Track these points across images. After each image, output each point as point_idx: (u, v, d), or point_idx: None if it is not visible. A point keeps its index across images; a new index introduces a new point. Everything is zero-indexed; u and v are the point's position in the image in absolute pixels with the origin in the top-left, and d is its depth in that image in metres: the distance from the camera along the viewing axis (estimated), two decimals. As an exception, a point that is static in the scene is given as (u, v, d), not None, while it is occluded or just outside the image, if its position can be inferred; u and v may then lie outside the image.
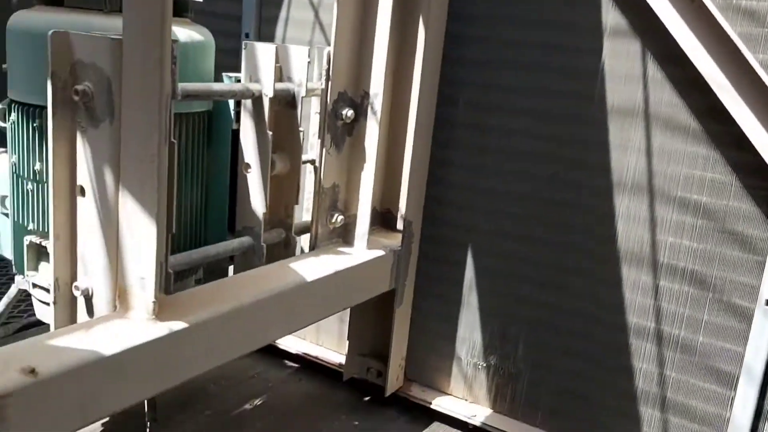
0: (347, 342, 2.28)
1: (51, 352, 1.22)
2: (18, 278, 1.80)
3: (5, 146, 1.84)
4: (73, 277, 1.47)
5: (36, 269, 1.73)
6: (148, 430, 1.52)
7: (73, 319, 1.48)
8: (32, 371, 1.15)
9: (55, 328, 1.48)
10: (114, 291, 1.42)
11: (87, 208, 1.42)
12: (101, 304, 1.44)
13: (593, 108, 1.86)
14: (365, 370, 2.26)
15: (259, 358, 2.48)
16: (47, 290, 1.70)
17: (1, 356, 1.18)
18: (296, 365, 2.46)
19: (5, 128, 1.73)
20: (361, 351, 2.26)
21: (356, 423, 2.15)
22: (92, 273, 1.44)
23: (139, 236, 1.35)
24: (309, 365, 2.44)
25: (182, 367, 1.42)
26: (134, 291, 1.39)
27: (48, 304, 1.74)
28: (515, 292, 2.05)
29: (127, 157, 1.34)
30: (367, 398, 2.29)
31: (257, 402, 2.22)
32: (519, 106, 1.95)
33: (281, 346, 2.48)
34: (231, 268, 2.32)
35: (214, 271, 1.99)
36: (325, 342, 2.45)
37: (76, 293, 1.46)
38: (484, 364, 2.14)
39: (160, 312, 1.39)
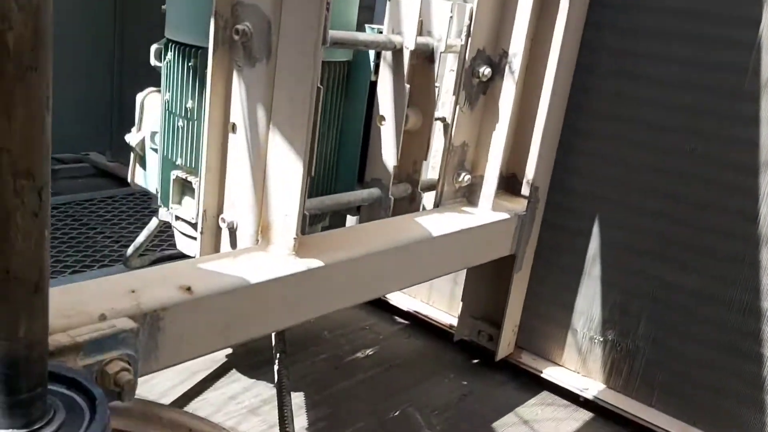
0: (460, 303, 2.29)
1: (204, 275, 1.29)
2: (162, 211, 1.91)
3: (156, 85, 1.96)
4: (220, 210, 1.55)
5: (180, 203, 1.83)
6: (277, 361, 1.59)
7: (216, 249, 1.57)
8: (188, 289, 1.22)
9: (200, 256, 1.57)
10: (257, 226, 1.49)
11: (237, 145, 1.48)
12: (244, 237, 1.51)
13: (745, 80, 1.75)
14: (476, 333, 2.27)
15: (371, 311, 2.54)
16: (189, 223, 1.81)
17: (161, 274, 1.27)
18: (406, 322, 2.50)
19: (159, 67, 1.83)
20: (473, 314, 2.27)
21: (465, 383, 2.17)
22: (238, 207, 1.51)
23: (286, 175, 1.41)
24: (418, 323, 2.47)
25: (316, 303, 1.47)
26: (277, 227, 1.45)
27: (189, 236, 1.86)
28: (641, 268, 1.99)
29: (280, 97, 1.39)
30: (475, 361, 2.30)
31: (369, 352, 2.28)
32: (660, 75, 1.87)
33: (392, 302, 2.52)
34: (349, 219, 2.38)
35: (335, 220, 2.05)
36: (436, 302, 2.48)
37: (222, 225, 1.54)
38: (601, 338, 2.10)
39: (299, 250, 1.45)
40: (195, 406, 1.86)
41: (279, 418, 1.45)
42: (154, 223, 2.13)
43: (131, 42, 3.53)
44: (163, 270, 1.29)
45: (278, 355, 1.59)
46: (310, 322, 1.47)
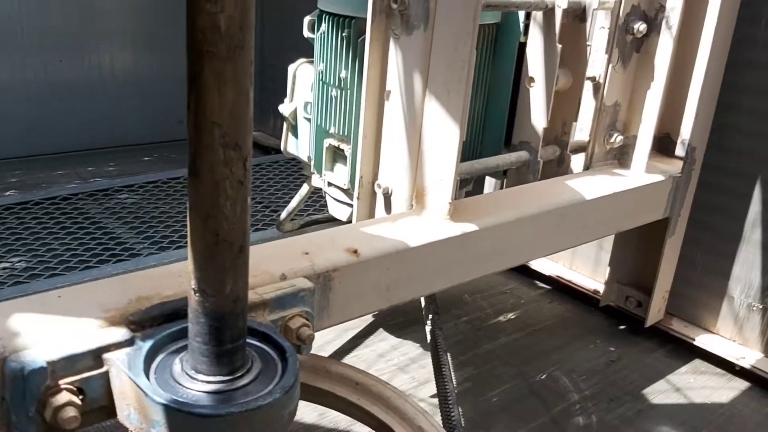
0: (605, 269, 2.25)
1: (368, 239, 1.35)
2: (314, 177, 2.00)
3: (293, 57, 2.03)
4: (375, 176, 1.61)
5: (332, 170, 1.91)
6: (430, 322, 1.65)
7: (371, 213, 1.63)
8: (355, 252, 1.29)
9: (357, 221, 1.64)
10: (412, 191, 1.53)
11: (393, 112, 1.52)
12: (399, 202, 1.56)
13: None
14: (623, 299, 2.22)
15: (511, 275, 2.54)
16: (341, 189, 1.88)
17: (329, 237, 1.34)
18: (547, 287, 2.49)
19: (312, 39, 1.90)
20: (621, 279, 2.22)
21: (612, 349, 2.14)
22: (393, 173, 1.56)
23: (442, 140, 1.43)
24: (561, 288, 2.45)
25: (470, 267, 1.50)
26: (431, 192, 1.48)
27: (340, 201, 1.93)
28: (810, 233, 1.86)
29: (438, 63, 1.41)
30: (622, 327, 2.25)
31: (510, 316, 2.29)
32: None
33: (533, 267, 2.51)
34: (488, 183, 2.38)
35: (476, 185, 2.06)
36: (580, 267, 2.44)
37: (377, 191, 1.59)
38: (760, 306, 2.00)
39: (453, 214, 1.47)
40: (348, 362, 1.96)
41: (436, 378, 1.50)
42: (304, 189, 2.23)
43: (273, 14, 3.65)
44: (330, 234, 1.37)
45: (431, 316, 1.64)
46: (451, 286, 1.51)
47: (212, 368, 0.95)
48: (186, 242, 2.41)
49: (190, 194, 0.88)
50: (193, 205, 0.88)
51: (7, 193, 2.91)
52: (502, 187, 2.20)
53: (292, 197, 2.33)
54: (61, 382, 0.92)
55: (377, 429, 1.31)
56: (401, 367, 1.96)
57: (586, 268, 2.42)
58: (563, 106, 1.87)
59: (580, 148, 1.97)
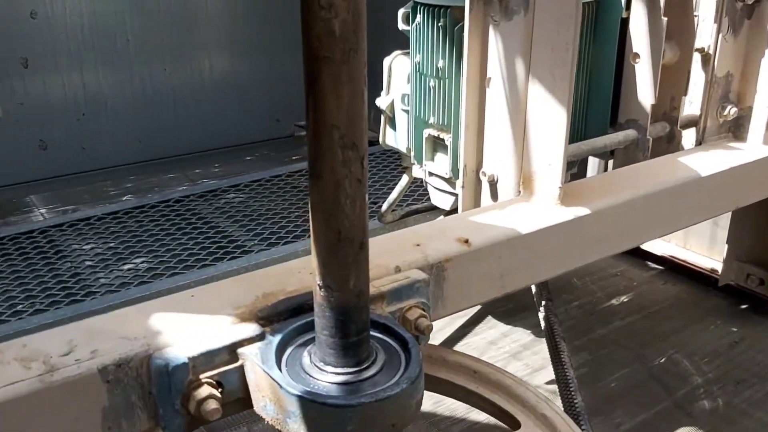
0: (723, 246, 2.15)
1: (477, 227, 1.35)
2: (414, 168, 2.02)
3: (401, 48, 2.04)
4: (479, 164, 1.60)
5: (432, 159, 1.92)
6: (543, 309, 1.63)
7: (477, 202, 1.63)
8: (466, 241, 1.29)
9: (462, 210, 1.64)
10: (518, 177, 1.52)
11: (495, 99, 1.51)
12: (505, 189, 1.55)
13: None
14: (744, 277, 2.11)
15: (621, 257, 2.47)
16: (443, 178, 1.89)
17: (438, 227, 1.36)
18: (660, 267, 2.41)
19: (407, 31, 1.91)
20: (740, 256, 2.11)
21: (734, 330, 2.05)
22: (498, 160, 1.55)
23: (548, 124, 1.41)
24: (674, 268, 2.36)
25: (583, 251, 1.47)
26: (539, 177, 1.47)
27: (442, 190, 1.94)
28: None
29: (540, 48, 1.38)
30: (744, 306, 2.15)
31: (623, 299, 2.23)
32: None
33: (644, 247, 2.43)
34: (591, 165, 2.32)
35: (581, 166, 2.01)
36: (694, 245, 2.34)
37: (482, 179, 1.59)
38: None
39: (562, 198, 1.45)
40: (460, 350, 1.97)
41: (554, 364, 1.49)
42: (404, 180, 2.25)
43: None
44: (439, 224, 1.38)
45: (543, 303, 1.62)
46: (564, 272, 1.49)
47: (340, 360, 0.98)
48: (294, 238, 2.49)
49: (312, 195, 0.91)
50: (315, 205, 0.91)
51: (125, 197, 3.10)
52: (606, 169, 2.14)
53: (391, 189, 2.36)
54: (201, 376, 0.98)
55: (497, 416, 1.32)
56: (513, 354, 1.96)
57: (701, 246, 2.32)
58: (671, 81, 1.80)
59: (690, 123, 1.88)
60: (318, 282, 0.95)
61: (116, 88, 3.41)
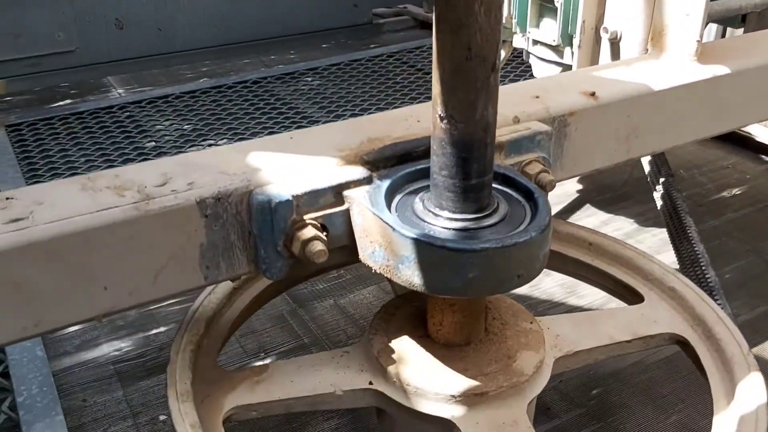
0: None
1: (604, 82, 1.20)
2: (516, 37, 1.84)
3: None
4: (600, 21, 1.42)
5: (538, 26, 1.74)
6: (662, 185, 1.48)
7: (594, 62, 1.46)
8: (592, 94, 1.14)
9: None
10: (646, 32, 1.34)
11: (625, -60, 1.32)
12: (630, 47, 1.37)
13: None
14: None
15: (731, 149, 2.26)
16: (549, 46, 1.71)
17: (558, 81, 1.21)
18: (776, 160, 2.19)
19: None
20: None
21: None
22: (623, 14, 1.37)
23: (692, -35, 1.22)
24: (793, 162, 2.15)
25: (719, 116, 1.30)
26: (674, 30, 1.28)
27: (548, 60, 1.77)
28: None
29: None
30: None
31: (735, 191, 2.04)
32: None
33: (758, 139, 2.21)
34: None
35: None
36: (820, 137, 2.11)
37: (604, 36, 1.41)
38: None
39: (699, 56, 1.27)
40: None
41: (678, 243, 1.34)
42: (501, 52, 2.07)
43: None
44: (559, 78, 1.23)
45: (662, 179, 1.47)
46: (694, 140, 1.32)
47: (459, 205, 0.87)
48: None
49: (438, 6, 0.78)
50: (442, 17, 0.78)
51: (201, 80, 3.02)
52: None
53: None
54: (305, 217, 0.89)
55: (613, 292, 1.20)
56: (614, 241, 1.82)
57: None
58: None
59: (844, -16, 1.63)
60: (439, 112, 0.83)
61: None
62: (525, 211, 0.91)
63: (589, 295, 1.61)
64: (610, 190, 2.06)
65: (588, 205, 2.00)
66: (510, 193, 0.95)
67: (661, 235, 1.85)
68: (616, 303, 1.53)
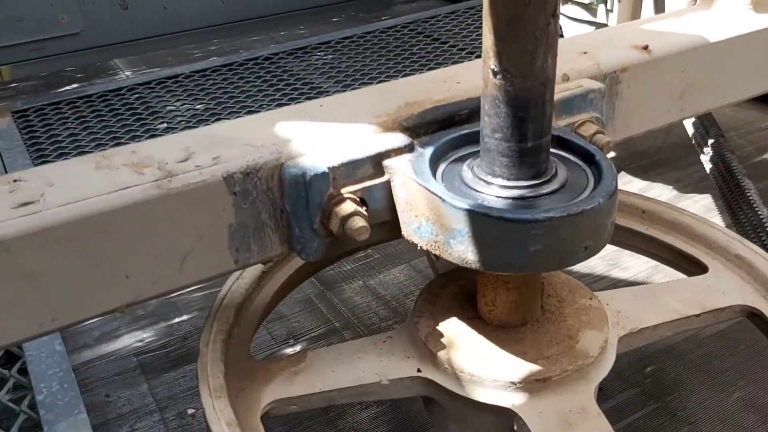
0: None
1: (655, 35, 1.10)
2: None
3: None
4: (642, -30, 1.32)
5: (569, -17, 1.63)
6: (712, 147, 1.38)
7: (635, 17, 1.35)
8: (645, 48, 1.04)
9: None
10: (696, -19, 1.23)
11: None
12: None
13: None
14: None
15: (767, 110, 2.15)
16: (581, 4, 1.61)
17: (605, 35, 1.11)
18: (819, 120, 2.08)
19: None
20: None
21: None
22: (670, -39, 1.26)
23: None
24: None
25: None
26: (727, -23, 1.18)
27: (579, 20, 1.67)
28: None
29: None
30: None
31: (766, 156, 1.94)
32: None
33: (799, 98, 2.10)
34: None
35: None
36: None
37: (647, -13, 1.31)
38: None
39: (756, 3, 1.17)
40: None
41: (735, 208, 1.24)
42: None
43: None
44: (606, 33, 1.13)
45: (713, 140, 1.37)
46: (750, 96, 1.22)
47: (514, 171, 0.78)
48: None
49: (490, -56, 0.68)
50: (496, -44, 0.68)
51: (211, 59, 2.92)
52: None
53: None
54: (343, 190, 0.80)
55: (672, 263, 1.11)
56: (653, 209, 1.72)
57: None
58: None
59: None
60: (492, 66, 0.74)
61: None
62: (586, 176, 0.82)
63: (632, 267, 1.52)
64: (644, 156, 1.96)
65: (623, 173, 1.90)
66: (567, 156, 0.86)
67: (703, 201, 1.75)
68: (663, 275, 1.46)
